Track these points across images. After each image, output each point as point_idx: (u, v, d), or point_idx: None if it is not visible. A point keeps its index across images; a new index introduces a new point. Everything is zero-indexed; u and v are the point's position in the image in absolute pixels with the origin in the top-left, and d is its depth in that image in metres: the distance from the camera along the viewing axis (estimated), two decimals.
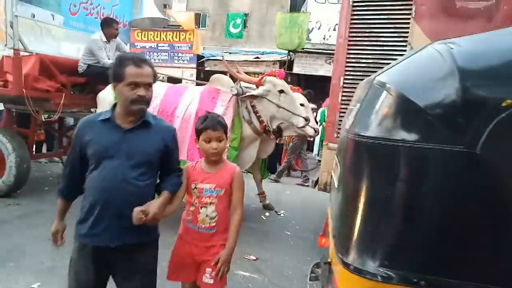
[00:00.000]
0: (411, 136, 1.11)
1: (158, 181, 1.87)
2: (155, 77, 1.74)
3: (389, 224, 1.16)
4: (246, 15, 14.95)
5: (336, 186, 1.69)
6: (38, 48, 4.80)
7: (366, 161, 1.24)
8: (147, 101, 1.70)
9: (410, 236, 1.13)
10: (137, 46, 14.37)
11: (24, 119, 5.34)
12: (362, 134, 1.23)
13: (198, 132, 1.90)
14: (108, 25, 4.94)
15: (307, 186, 6.79)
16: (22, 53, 4.50)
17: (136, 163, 1.68)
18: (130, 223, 1.62)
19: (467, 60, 1.12)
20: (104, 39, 4.92)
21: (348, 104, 3.51)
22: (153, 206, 1.67)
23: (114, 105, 1.77)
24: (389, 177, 1.15)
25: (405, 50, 3.21)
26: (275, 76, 4.03)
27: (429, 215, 1.11)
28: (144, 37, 14.79)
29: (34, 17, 4.80)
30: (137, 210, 1.60)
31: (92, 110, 5.26)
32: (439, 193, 1.09)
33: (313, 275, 1.81)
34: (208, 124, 1.86)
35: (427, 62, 1.22)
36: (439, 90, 1.10)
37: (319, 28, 12.30)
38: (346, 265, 1.21)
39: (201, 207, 1.87)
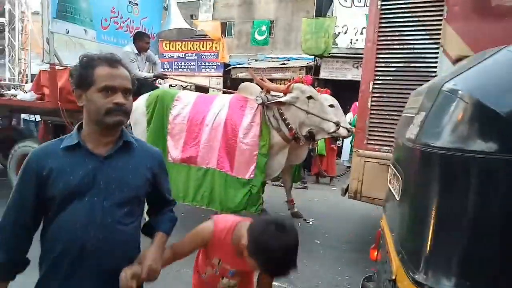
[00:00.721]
0: (489, 146, 1.03)
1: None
2: (133, 84, 1.33)
3: (464, 241, 1.08)
4: (271, 22, 15.00)
5: (397, 198, 1.59)
6: (72, 62, 4.98)
7: (438, 172, 1.16)
8: (126, 112, 1.27)
9: (488, 254, 1.05)
10: (165, 56, 14.71)
11: (60, 131, 5.55)
12: (433, 144, 1.16)
13: (256, 258, 1.33)
14: (140, 39, 5.12)
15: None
16: (57, 67, 4.69)
17: (120, 201, 1.25)
18: (115, 286, 1.20)
19: None
20: (136, 51, 5.09)
21: (378, 110, 3.44)
22: (148, 258, 1.28)
23: (80, 126, 1.32)
24: (464, 190, 1.08)
25: (437, 53, 3.10)
26: (302, 83, 4.00)
27: (509, 232, 1.02)
28: (172, 47, 15.13)
29: (68, 32, 4.99)
30: (125, 274, 1.20)
31: None
32: None
33: None
34: (281, 273, 1.36)
35: (504, 66, 1.15)
36: None
37: (345, 33, 12.17)
38: (418, 284, 1.14)
39: (223, 277, 1.53)
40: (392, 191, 1.77)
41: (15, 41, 7.84)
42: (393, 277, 1.42)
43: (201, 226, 1.51)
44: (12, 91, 6.72)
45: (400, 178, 1.57)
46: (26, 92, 5.74)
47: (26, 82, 8.27)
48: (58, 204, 1.21)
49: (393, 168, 1.85)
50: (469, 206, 1.06)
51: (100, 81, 1.23)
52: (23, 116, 7.78)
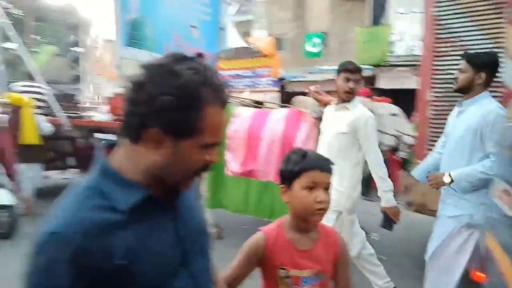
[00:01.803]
0: None
1: None
2: None
3: None
4: (324, 34, 15.00)
5: None
6: None
7: None
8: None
9: None
10: (223, 74, 15.30)
11: None
12: None
13: (292, 175, 1.26)
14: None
15: None
16: None
17: (208, 252, 0.99)
18: None
19: None
20: None
21: (439, 119, 3.34)
22: None
23: (107, 152, 0.92)
24: None
25: (501, 57, 2.97)
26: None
27: None
28: (230, 65, 15.70)
29: (136, 58, 5.48)
30: None
31: None
32: None
33: None
34: (315, 163, 1.22)
35: None
36: None
37: (401, 40, 11.81)
38: None
39: None
40: (502, 207, 1.64)
41: (90, 68, 8.77)
42: None
43: (249, 240, 1.33)
44: (89, 113, 7.46)
45: None
46: (100, 114, 6.36)
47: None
48: None
49: (502, 182, 1.70)
50: None
51: (209, 135, 0.80)
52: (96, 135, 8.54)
